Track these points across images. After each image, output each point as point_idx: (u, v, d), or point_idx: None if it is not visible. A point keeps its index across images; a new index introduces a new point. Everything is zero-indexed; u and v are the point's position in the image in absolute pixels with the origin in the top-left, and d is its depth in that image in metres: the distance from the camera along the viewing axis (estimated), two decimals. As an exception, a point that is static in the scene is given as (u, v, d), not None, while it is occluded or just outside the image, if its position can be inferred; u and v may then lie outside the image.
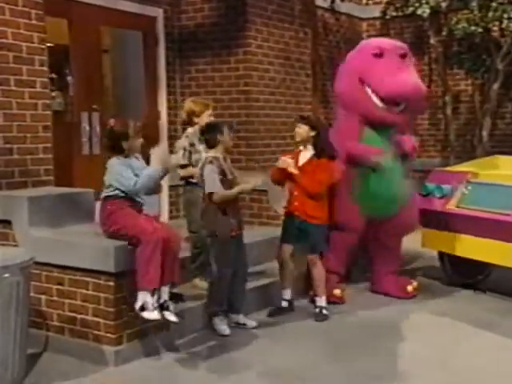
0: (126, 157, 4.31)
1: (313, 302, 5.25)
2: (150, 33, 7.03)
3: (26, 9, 4.98)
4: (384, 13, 9.17)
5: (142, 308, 4.12)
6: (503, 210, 5.16)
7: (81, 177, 6.09)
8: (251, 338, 4.67)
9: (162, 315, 4.18)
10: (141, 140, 4.38)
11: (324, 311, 5.11)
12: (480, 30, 8.13)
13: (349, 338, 4.73)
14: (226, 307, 4.79)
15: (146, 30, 7.01)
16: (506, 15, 7.94)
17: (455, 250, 5.65)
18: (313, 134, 5.07)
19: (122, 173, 4.23)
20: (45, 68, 5.13)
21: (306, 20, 7.76)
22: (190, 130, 5.18)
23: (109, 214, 4.29)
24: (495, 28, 8.38)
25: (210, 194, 4.62)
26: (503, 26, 8.11)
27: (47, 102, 5.19)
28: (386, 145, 5.38)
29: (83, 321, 4.34)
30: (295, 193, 5.09)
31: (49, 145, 5.19)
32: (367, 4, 10.04)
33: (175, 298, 4.45)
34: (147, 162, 4.36)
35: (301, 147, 5.16)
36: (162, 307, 4.21)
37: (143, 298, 4.12)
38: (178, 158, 4.94)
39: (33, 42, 5.02)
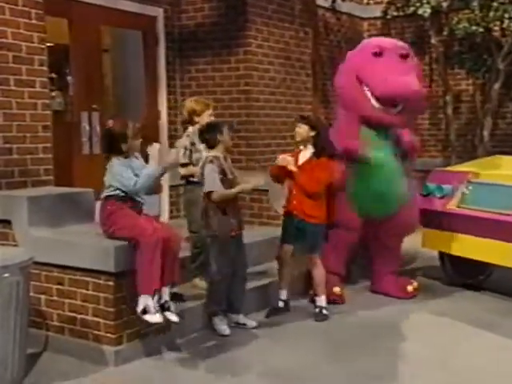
0: (125, 157, 4.31)
1: (313, 302, 5.24)
2: (150, 32, 7.03)
3: (26, 8, 4.98)
4: (385, 12, 9.16)
5: (144, 311, 4.12)
6: (504, 210, 5.15)
7: (81, 176, 6.08)
8: (251, 338, 4.66)
9: (164, 316, 4.18)
10: (140, 140, 4.38)
11: (324, 311, 5.11)
12: (481, 29, 8.12)
13: (349, 338, 4.72)
14: (226, 307, 4.78)
15: (146, 30, 7.01)
16: (507, 15, 7.93)
17: (456, 250, 5.64)
18: (313, 133, 5.06)
19: (122, 173, 4.23)
20: (44, 68, 5.13)
21: (307, 20, 7.75)
22: (190, 129, 5.19)
23: (108, 214, 4.29)
24: (496, 28, 8.38)
25: (210, 192, 4.62)
26: (504, 25, 8.10)
27: (47, 101, 5.19)
28: (383, 144, 5.37)
29: (83, 321, 4.33)
30: (294, 192, 5.09)
31: (48, 144, 5.19)
32: (368, 4, 10.03)
33: (175, 297, 4.46)
34: (146, 160, 4.36)
35: (301, 147, 5.15)
36: (162, 307, 4.21)
37: (144, 301, 4.11)
38: (178, 151, 4.93)
39: (32, 42, 5.02)
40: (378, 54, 5.33)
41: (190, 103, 5.25)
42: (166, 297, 4.24)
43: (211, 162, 4.64)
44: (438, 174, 6.08)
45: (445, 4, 8.37)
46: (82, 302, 4.33)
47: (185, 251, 4.85)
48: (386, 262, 5.69)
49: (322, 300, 5.14)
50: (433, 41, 8.92)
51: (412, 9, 8.48)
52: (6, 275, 3.67)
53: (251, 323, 4.87)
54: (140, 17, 6.85)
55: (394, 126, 5.38)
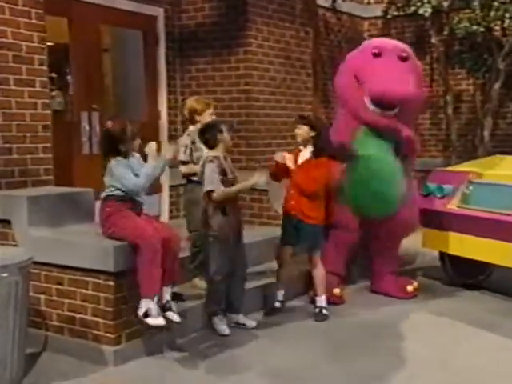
0: (124, 157, 4.31)
1: (313, 302, 5.24)
2: (150, 32, 7.02)
3: (26, 8, 4.97)
4: (386, 12, 9.14)
5: (146, 314, 4.11)
6: (504, 210, 5.14)
7: (81, 176, 6.08)
8: (251, 338, 4.66)
9: (165, 316, 4.17)
10: (139, 141, 4.37)
11: (324, 311, 5.10)
12: (482, 29, 8.11)
13: (349, 338, 4.72)
14: (225, 307, 4.78)
15: (146, 29, 7.00)
16: (507, 14, 7.91)
17: (456, 250, 5.63)
18: (313, 134, 5.05)
19: (122, 174, 4.23)
20: (44, 67, 5.13)
21: (307, 19, 7.74)
22: (191, 127, 5.19)
23: (108, 215, 4.29)
24: (497, 27, 8.36)
25: (210, 192, 4.61)
26: (505, 25, 8.09)
27: (47, 101, 5.18)
28: (382, 144, 5.35)
29: (82, 320, 4.33)
30: (291, 191, 5.08)
31: (48, 144, 5.18)
32: (369, 3, 10.02)
33: (175, 297, 4.46)
34: (145, 160, 4.37)
35: (301, 147, 5.14)
36: (164, 308, 4.21)
37: (146, 305, 4.11)
38: (177, 148, 4.92)
39: (32, 42, 5.02)
40: (377, 55, 5.32)
41: (190, 102, 5.26)
42: (167, 297, 4.25)
43: (211, 161, 4.63)
44: (439, 174, 6.07)
45: (445, 3, 8.36)
46: (81, 301, 4.33)
47: (185, 251, 4.84)
48: (386, 262, 5.68)
49: (322, 300, 5.13)
50: (433, 40, 8.90)
51: (413, 8, 8.46)
52: (5, 275, 3.67)
53: (251, 323, 4.86)
54: (140, 16, 6.85)
55: (390, 129, 5.33)
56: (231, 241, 4.68)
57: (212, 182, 4.58)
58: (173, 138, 6.80)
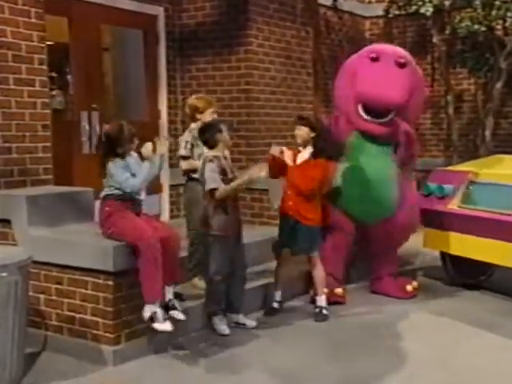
0: (122, 158, 4.30)
1: (313, 302, 5.23)
2: (150, 31, 7.01)
3: (26, 7, 4.97)
4: (387, 11, 9.11)
5: (151, 319, 4.12)
6: (505, 210, 5.13)
7: (80, 176, 6.06)
8: (251, 338, 4.65)
9: (170, 316, 4.18)
10: (136, 142, 4.37)
11: (324, 311, 5.09)
12: (483, 28, 8.09)
13: (349, 338, 4.71)
14: (225, 307, 4.77)
15: (146, 29, 7.00)
16: (509, 14, 7.89)
17: (457, 250, 5.62)
18: (313, 135, 5.03)
19: (120, 176, 4.24)
20: (44, 67, 5.12)
21: (308, 18, 7.73)
22: (193, 125, 5.19)
23: (107, 215, 4.29)
24: (499, 26, 8.35)
25: (212, 191, 4.59)
26: (507, 24, 8.07)
27: (46, 100, 5.18)
28: (376, 149, 5.34)
29: (82, 320, 4.33)
30: (288, 192, 5.06)
31: (48, 144, 5.18)
32: (370, 2, 10.00)
33: (175, 297, 4.44)
34: (142, 160, 4.36)
35: (300, 148, 5.12)
36: (167, 307, 4.21)
37: (151, 309, 4.12)
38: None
39: (32, 41, 5.01)
40: (374, 59, 5.32)
41: (192, 100, 5.25)
42: (169, 295, 4.26)
43: (211, 161, 4.62)
44: (439, 174, 6.06)
45: (447, 3, 8.33)
46: (80, 301, 4.32)
47: (184, 250, 4.84)
48: (385, 264, 5.66)
49: (322, 300, 5.12)
50: (435, 40, 8.89)
51: (414, 7, 8.44)
52: (4, 274, 3.67)
53: (251, 323, 4.86)
54: (140, 16, 6.84)
55: (383, 136, 5.31)
56: (231, 240, 4.67)
57: (214, 180, 4.56)
58: (173, 137, 6.78)
